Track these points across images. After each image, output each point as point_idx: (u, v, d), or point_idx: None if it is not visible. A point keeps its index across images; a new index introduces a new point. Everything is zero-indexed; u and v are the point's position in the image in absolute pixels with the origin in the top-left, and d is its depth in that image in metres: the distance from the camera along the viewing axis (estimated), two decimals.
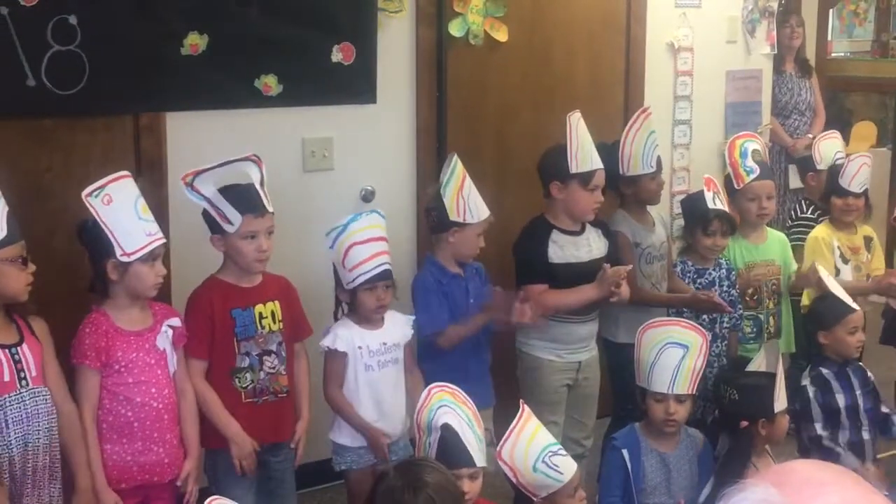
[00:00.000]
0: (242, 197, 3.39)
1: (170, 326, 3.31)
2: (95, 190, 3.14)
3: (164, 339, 3.28)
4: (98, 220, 3.14)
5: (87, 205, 3.13)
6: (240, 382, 3.44)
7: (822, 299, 4.24)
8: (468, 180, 3.84)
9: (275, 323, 3.49)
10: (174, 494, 3.36)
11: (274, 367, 3.49)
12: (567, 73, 5.08)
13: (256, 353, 3.45)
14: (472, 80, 4.78)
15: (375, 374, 3.64)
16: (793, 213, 5.52)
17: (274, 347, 3.49)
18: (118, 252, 3.15)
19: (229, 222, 3.37)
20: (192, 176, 3.36)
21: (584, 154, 3.98)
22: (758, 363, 3.88)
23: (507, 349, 4.12)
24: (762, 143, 4.80)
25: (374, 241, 3.61)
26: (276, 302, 3.51)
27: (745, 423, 3.55)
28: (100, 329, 3.18)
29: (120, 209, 3.15)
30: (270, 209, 3.44)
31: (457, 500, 2.69)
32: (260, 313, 3.47)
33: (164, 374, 3.28)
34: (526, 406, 3.16)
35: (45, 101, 3.68)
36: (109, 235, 3.14)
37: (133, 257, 3.16)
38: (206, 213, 3.43)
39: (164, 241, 3.27)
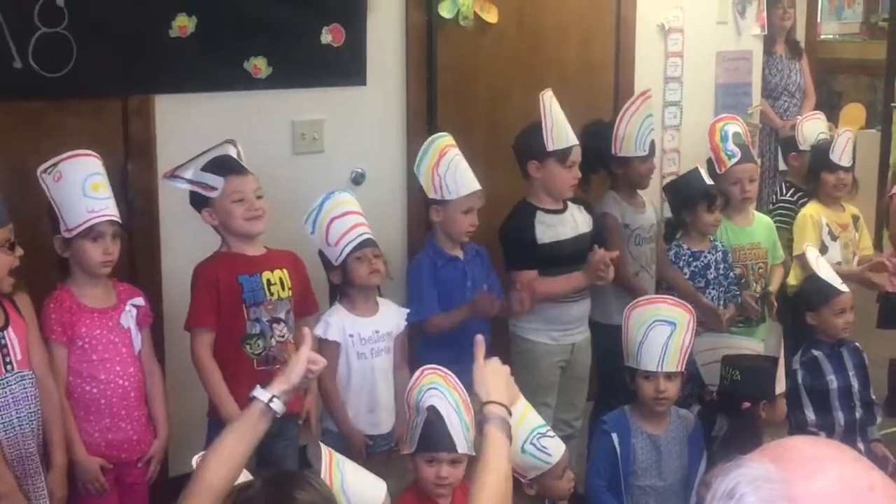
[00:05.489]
0: (220, 163, 3.44)
1: (133, 305, 3.32)
2: (49, 167, 3.18)
3: (128, 318, 3.29)
4: (48, 196, 3.18)
5: (41, 181, 3.18)
6: (251, 349, 3.44)
7: (810, 280, 4.24)
8: (447, 157, 3.81)
9: (284, 290, 3.48)
10: (144, 472, 3.37)
11: (283, 336, 3.48)
12: (557, 55, 5.06)
13: (266, 320, 3.45)
14: (462, 62, 4.77)
15: (369, 362, 3.61)
16: (773, 195, 5.54)
17: (283, 315, 3.49)
18: (62, 228, 3.19)
19: (213, 188, 3.40)
20: (171, 172, 3.43)
21: (559, 131, 3.96)
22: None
23: (500, 332, 4.12)
24: (742, 124, 4.78)
25: (352, 214, 3.60)
26: (285, 270, 3.51)
27: (746, 405, 3.55)
28: (63, 305, 3.20)
29: (67, 186, 3.18)
30: (252, 173, 3.47)
31: None
32: (268, 280, 3.46)
33: (128, 353, 3.29)
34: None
35: (32, 84, 3.65)
36: (56, 211, 3.19)
37: (73, 233, 3.18)
38: (192, 196, 3.45)
39: (107, 218, 3.21)
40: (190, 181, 3.41)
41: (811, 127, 5.26)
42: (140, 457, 3.32)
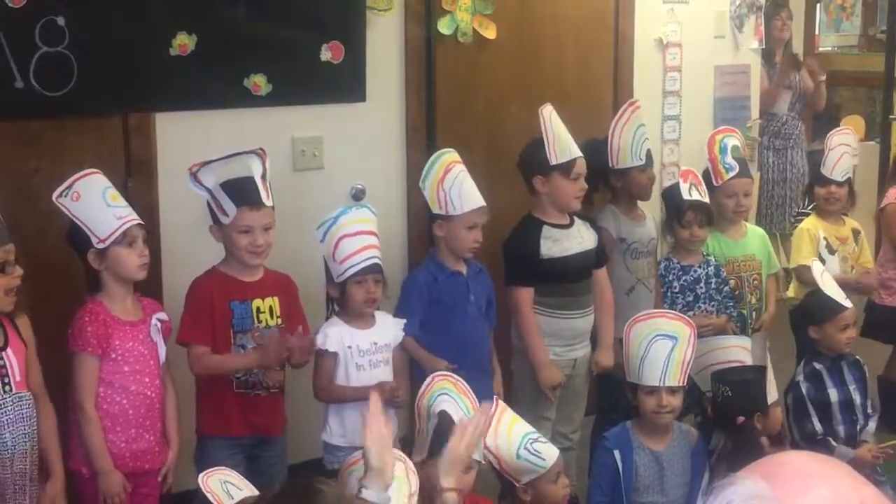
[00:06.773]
0: (239, 189, 3.44)
1: (158, 320, 3.39)
2: (64, 190, 3.23)
3: (155, 331, 3.36)
4: (71, 216, 3.23)
5: (59, 205, 3.22)
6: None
7: (814, 295, 4.24)
8: (452, 173, 3.83)
9: (272, 318, 3.51)
10: (161, 484, 3.42)
11: None
12: (556, 70, 5.07)
13: (251, 347, 3.46)
14: (461, 78, 4.78)
15: (367, 374, 3.62)
16: (795, 206, 5.58)
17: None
18: (94, 241, 3.24)
19: (225, 214, 3.44)
20: (199, 166, 3.42)
21: (561, 145, 3.99)
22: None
23: (503, 345, 4.12)
24: (741, 138, 4.80)
25: (364, 235, 3.61)
26: (276, 297, 3.53)
27: (741, 419, 3.56)
28: (98, 318, 3.24)
29: (88, 202, 3.23)
30: (269, 203, 3.48)
31: None
32: (258, 307, 3.49)
33: (155, 365, 3.35)
34: (500, 401, 3.19)
35: (33, 103, 3.66)
36: (84, 228, 3.23)
37: (108, 242, 3.24)
38: (208, 204, 3.49)
39: (136, 222, 3.31)
40: (210, 193, 3.44)
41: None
42: (159, 467, 3.38)
